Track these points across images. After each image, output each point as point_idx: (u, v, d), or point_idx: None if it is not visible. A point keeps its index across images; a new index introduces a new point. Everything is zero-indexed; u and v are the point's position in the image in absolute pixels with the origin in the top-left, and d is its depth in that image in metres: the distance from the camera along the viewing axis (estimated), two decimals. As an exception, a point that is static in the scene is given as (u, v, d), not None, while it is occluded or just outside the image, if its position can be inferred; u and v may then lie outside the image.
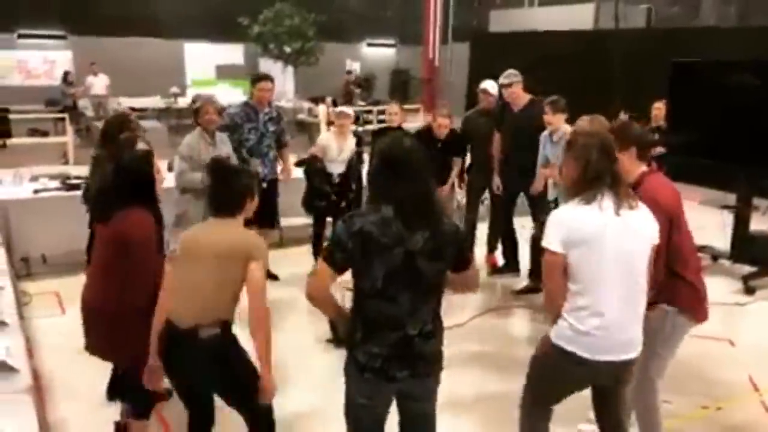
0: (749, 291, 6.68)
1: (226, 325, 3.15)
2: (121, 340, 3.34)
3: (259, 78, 6.39)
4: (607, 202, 2.92)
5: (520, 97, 6.52)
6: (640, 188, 3.31)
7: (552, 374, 3.19)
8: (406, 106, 18.46)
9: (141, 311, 3.27)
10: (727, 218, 7.52)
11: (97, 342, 3.52)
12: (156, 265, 3.40)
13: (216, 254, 3.09)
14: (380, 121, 14.37)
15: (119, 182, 3.52)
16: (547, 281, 3.09)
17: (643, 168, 3.48)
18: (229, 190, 3.22)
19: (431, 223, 2.68)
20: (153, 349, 3.21)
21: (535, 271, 6.49)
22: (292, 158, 7.09)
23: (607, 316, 2.95)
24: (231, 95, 17.97)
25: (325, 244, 2.88)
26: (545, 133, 6.02)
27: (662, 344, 3.42)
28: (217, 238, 3.14)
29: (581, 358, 2.98)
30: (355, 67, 23.06)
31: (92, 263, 3.61)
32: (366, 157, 6.76)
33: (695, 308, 3.52)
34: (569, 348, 3.00)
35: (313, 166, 6.51)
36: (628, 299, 3.00)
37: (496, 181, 6.81)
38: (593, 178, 2.94)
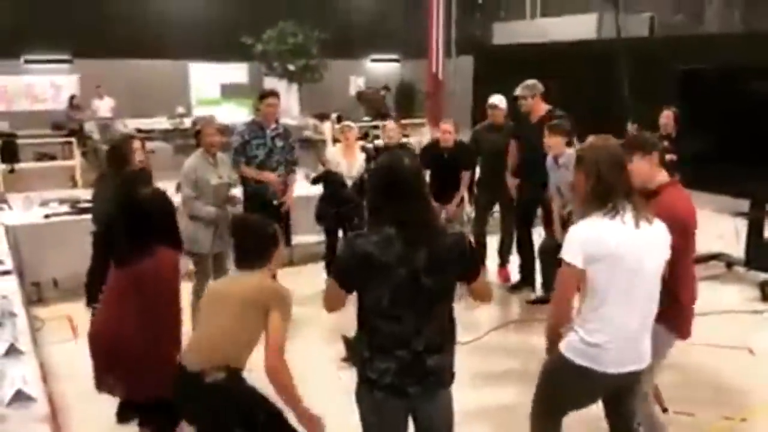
0: (766, 298, 6.61)
1: (234, 370, 3.15)
2: (140, 378, 3.32)
3: (266, 94, 6.36)
4: (628, 215, 2.90)
5: (536, 108, 6.47)
6: (659, 198, 3.27)
7: (562, 387, 3.18)
8: (412, 121, 18.51)
9: (161, 348, 3.28)
10: (741, 225, 7.46)
11: (115, 381, 3.49)
12: (178, 305, 3.44)
13: (236, 303, 3.13)
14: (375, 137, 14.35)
15: (139, 224, 3.49)
16: (560, 294, 3.05)
17: (664, 177, 3.45)
18: (253, 245, 3.27)
19: (432, 239, 2.67)
20: None
21: (547, 282, 6.48)
22: (301, 175, 7.07)
23: (619, 330, 2.94)
24: (236, 114, 18.08)
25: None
26: (550, 156, 5.96)
27: (655, 358, 3.35)
28: (240, 287, 3.19)
29: (591, 370, 2.97)
30: (360, 82, 23.10)
31: (110, 302, 3.56)
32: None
33: (683, 329, 3.52)
34: (579, 361, 2.99)
35: (331, 177, 6.66)
36: (641, 312, 3.00)
37: (511, 182, 6.76)
38: (606, 191, 2.93)
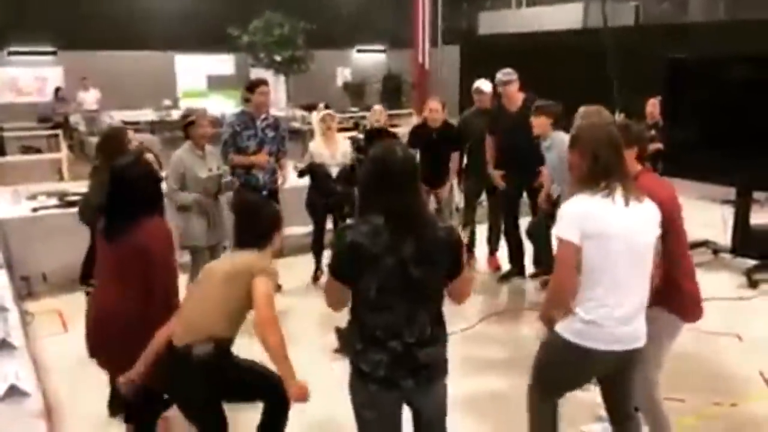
0: (753, 285, 6.68)
1: (222, 341, 3.17)
2: (137, 352, 3.31)
3: (256, 83, 6.30)
4: (618, 194, 2.93)
5: (516, 96, 6.53)
6: (636, 184, 3.30)
7: (559, 366, 3.20)
8: (399, 111, 18.49)
9: (148, 325, 3.28)
10: (728, 213, 7.52)
11: (111, 356, 3.50)
12: (174, 272, 3.44)
13: (221, 276, 3.16)
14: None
15: (124, 195, 3.47)
16: (559, 273, 3.04)
17: (637, 167, 3.48)
18: (254, 226, 3.29)
19: (421, 230, 2.68)
20: (143, 361, 3.24)
21: (538, 258, 6.68)
22: (290, 166, 7.06)
23: (614, 307, 2.96)
24: (223, 106, 17.98)
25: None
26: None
27: (657, 343, 3.37)
28: (230, 261, 3.24)
29: (588, 349, 2.99)
30: (346, 73, 23.05)
31: (105, 278, 3.56)
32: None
33: (688, 312, 3.54)
34: (576, 340, 3.01)
35: (315, 169, 6.68)
36: (635, 290, 3.03)
37: (495, 174, 6.74)
38: (603, 171, 2.95)
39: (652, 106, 8.28)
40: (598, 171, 2.95)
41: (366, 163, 2.79)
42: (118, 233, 3.42)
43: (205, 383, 3.12)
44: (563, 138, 5.60)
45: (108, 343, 3.50)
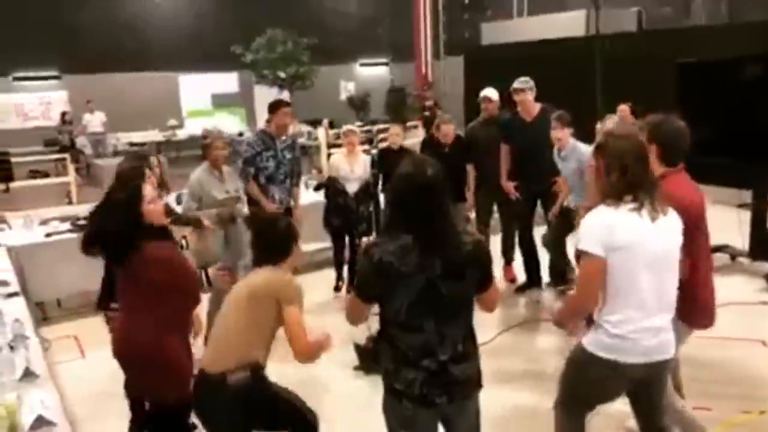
0: (773, 289, 6.61)
1: (256, 368, 3.14)
2: (166, 376, 3.29)
3: (278, 105, 6.30)
4: (645, 209, 2.88)
5: (532, 105, 6.45)
6: (662, 185, 3.24)
7: (587, 381, 3.15)
8: (405, 124, 18.49)
9: (184, 341, 3.26)
10: (744, 217, 7.46)
11: (143, 383, 3.46)
12: (193, 288, 3.43)
13: (247, 298, 3.14)
14: (381, 140, 14.35)
15: (112, 225, 3.41)
16: (583, 287, 3.00)
17: (661, 169, 3.40)
18: (270, 241, 3.28)
19: (450, 246, 2.64)
20: None
21: (553, 268, 6.62)
22: (302, 183, 7.05)
23: (642, 320, 2.92)
24: (228, 124, 18.03)
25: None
26: (556, 148, 5.95)
27: None
28: (252, 283, 3.21)
29: (617, 363, 2.95)
30: (350, 87, 23.09)
31: (125, 306, 3.54)
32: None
33: (698, 320, 3.51)
34: (604, 355, 2.96)
35: (333, 187, 6.70)
36: (662, 302, 2.97)
37: (508, 186, 6.66)
38: (629, 184, 2.89)
39: (622, 111, 8.16)
40: (625, 184, 2.89)
41: (395, 180, 2.74)
42: (120, 261, 3.39)
43: (241, 411, 3.10)
44: (583, 148, 5.58)
45: (132, 367, 3.49)
